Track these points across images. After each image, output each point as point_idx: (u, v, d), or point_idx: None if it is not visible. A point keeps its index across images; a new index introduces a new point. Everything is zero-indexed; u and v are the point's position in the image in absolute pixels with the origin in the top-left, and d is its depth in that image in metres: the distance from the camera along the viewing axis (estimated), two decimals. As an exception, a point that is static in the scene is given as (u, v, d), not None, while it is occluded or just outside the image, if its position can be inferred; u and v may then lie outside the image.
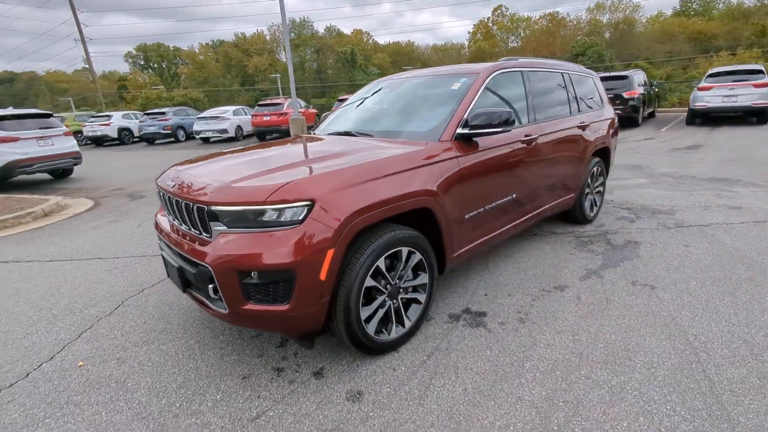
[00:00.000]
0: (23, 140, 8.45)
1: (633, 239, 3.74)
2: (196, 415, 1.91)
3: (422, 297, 2.41)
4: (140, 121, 18.24)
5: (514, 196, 2.99)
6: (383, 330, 2.24)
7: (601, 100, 4.34)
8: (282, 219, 1.85)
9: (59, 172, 9.79)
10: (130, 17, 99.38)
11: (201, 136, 16.59)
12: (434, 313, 2.69)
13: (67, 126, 20.17)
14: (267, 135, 16.24)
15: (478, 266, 3.35)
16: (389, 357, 2.26)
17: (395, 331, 2.27)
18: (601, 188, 4.33)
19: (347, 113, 3.44)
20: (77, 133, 19.67)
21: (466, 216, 2.60)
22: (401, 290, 2.28)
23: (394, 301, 2.26)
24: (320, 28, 74.86)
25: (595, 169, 4.08)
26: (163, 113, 17.90)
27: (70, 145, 9.42)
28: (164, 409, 1.96)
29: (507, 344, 2.31)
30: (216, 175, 2.12)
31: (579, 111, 3.84)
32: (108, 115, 19.11)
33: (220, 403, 1.98)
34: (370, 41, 56.11)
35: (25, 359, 2.43)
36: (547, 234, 4.01)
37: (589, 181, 4.02)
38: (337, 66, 47.74)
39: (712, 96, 11.04)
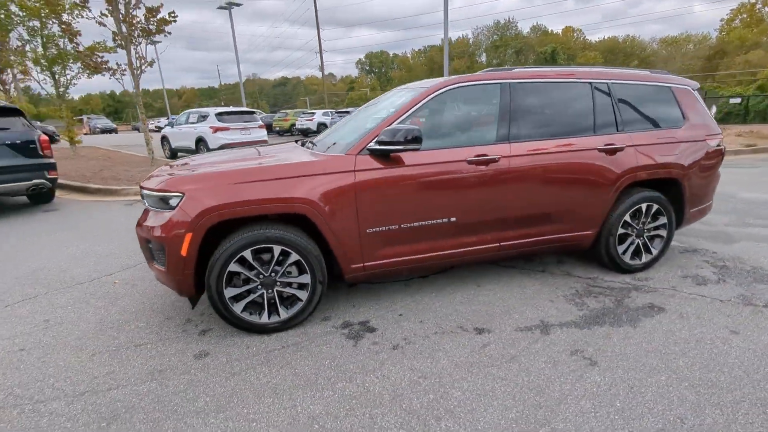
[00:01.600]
0: (232, 129, 11.67)
1: (660, 305, 2.76)
2: (118, 332, 2.70)
3: (303, 295, 2.60)
4: (332, 118, 21.95)
5: (452, 219, 2.74)
6: (257, 313, 2.57)
7: (683, 116, 3.21)
8: (166, 205, 2.42)
9: (254, 155, 13.01)
10: (370, 29, 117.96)
11: (371, 133, 18.83)
12: (335, 315, 2.81)
13: (287, 120, 25.55)
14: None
15: (434, 288, 3.15)
16: (257, 337, 2.57)
17: (267, 317, 2.57)
18: (661, 232, 3.24)
19: (338, 124, 3.66)
20: (293, 125, 25.17)
21: (369, 231, 2.60)
22: (277, 283, 2.55)
23: (269, 291, 2.55)
24: (526, 27, 71.52)
25: (644, 205, 3.11)
26: (348, 112, 21.05)
27: (262, 134, 12.40)
28: (112, 322, 2.83)
29: (350, 362, 2.29)
30: (162, 169, 2.86)
31: (616, 129, 3.02)
32: (312, 113, 23.71)
33: (138, 329, 2.73)
34: (581, 38, 50.30)
35: (102, 270, 3.78)
36: (558, 273, 3.33)
37: (628, 219, 3.11)
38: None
39: None
